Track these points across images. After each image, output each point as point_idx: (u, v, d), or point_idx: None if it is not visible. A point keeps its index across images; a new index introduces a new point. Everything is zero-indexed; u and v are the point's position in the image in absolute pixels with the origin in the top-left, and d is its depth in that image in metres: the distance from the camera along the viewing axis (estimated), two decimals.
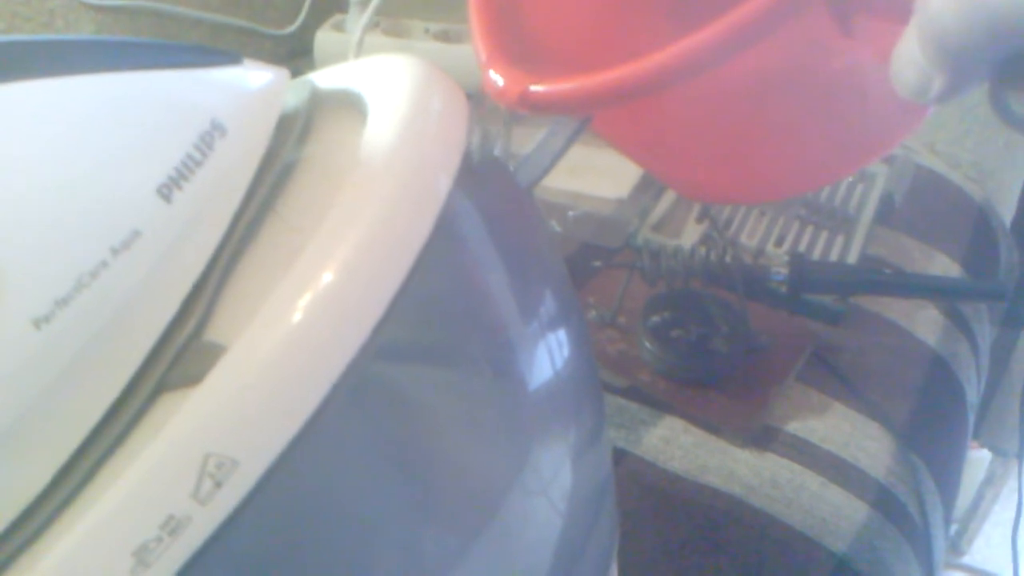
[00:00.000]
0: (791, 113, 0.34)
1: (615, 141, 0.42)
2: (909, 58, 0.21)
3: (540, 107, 0.29)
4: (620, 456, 0.52)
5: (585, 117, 0.31)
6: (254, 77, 0.25)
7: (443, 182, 0.25)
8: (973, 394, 0.66)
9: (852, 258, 0.64)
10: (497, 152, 0.29)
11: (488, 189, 0.28)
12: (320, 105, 0.28)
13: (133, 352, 0.22)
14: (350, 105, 0.27)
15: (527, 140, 0.32)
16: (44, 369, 0.20)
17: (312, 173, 0.26)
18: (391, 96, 0.26)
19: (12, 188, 0.20)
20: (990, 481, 1.07)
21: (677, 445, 0.53)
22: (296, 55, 0.91)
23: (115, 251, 0.21)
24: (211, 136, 0.23)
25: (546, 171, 0.30)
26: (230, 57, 0.25)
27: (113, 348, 0.22)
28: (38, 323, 0.20)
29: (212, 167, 0.23)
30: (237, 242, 0.24)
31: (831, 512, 0.50)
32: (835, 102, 0.33)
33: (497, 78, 0.29)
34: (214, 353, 0.21)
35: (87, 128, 0.21)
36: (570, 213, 0.67)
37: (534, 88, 0.28)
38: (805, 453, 0.53)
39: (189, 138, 0.22)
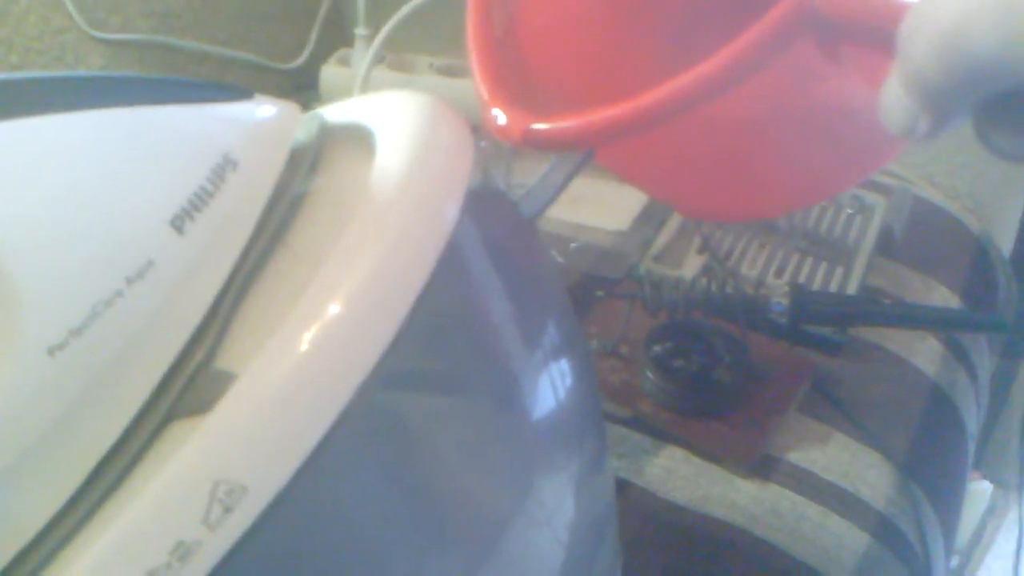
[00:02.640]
0: (786, 134, 0.35)
1: (616, 169, 0.43)
2: (895, 99, 0.22)
3: (543, 144, 0.29)
4: (622, 486, 0.53)
5: (588, 150, 0.32)
6: (265, 112, 0.26)
7: (449, 214, 0.25)
8: (973, 424, 0.66)
9: (852, 289, 0.65)
10: (500, 184, 0.29)
11: (492, 221, 0.28)
12: (329, 139, 0.28)
13: (145, 380, 0.22)
14: (359, 139, 0.28)
15: (531, 172, 0.32)
16: (57, 396, 0.21)
17: (321, 205, 0.26)
18: (399, 130, 0.27)
19: (30, 219, 0.20)
20: (991, 512, 1.06)
21: (679, 475, 0.53)
22: (302, 89, 0.92)
23: (129, 281, 0.21)
24: (223, 169, 0.23)
25: (549, 203, 0.30)
26: (242, 93, 0.25)
27: (125, 376, 0.22)
28: (52, 351, 0.20)
29: (224, 199, 0.23)
30: (247, 272, 0.24)
31: (832, 542, 0.50)
32: (827, 123, 0.34)
33: (499, 116, 0.30)
34: (224, 381, 0.22)
35: (103, 161, 0.22)
36: (572, 244, 0.68)
37: (536, 126, 0.29)
38: (806, 483, 0.53)
39: (202, 171, 0.23)
